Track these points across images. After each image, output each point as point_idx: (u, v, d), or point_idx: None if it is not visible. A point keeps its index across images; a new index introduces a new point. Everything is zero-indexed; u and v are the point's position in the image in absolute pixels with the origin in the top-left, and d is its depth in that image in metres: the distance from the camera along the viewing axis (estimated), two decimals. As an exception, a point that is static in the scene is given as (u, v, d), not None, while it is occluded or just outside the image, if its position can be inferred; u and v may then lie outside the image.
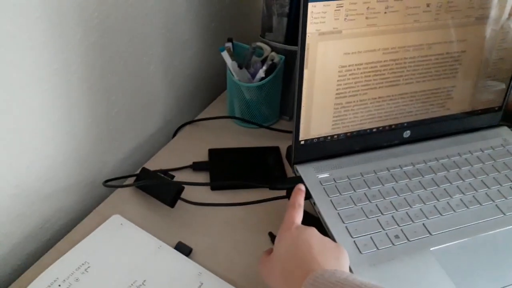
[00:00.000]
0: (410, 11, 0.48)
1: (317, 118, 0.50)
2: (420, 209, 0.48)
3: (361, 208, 0.47)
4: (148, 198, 0.56)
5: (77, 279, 0.46)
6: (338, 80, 0.49)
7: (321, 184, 0.50)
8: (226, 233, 0.53)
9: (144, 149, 0.67)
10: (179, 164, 0.61)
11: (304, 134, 0.50)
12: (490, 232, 0.46)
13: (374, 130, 0.54)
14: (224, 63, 0.65)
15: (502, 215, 0.48)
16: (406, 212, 0.47)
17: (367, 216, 0.47)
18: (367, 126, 0.53)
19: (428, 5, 0.48)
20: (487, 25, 0.52)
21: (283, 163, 0.62)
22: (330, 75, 0.48)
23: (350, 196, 0.48)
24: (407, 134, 0.56)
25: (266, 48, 0.66)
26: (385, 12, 0.47)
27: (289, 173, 0.61)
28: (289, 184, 0.50)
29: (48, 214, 0.53)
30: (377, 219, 0.46)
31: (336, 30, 0.46)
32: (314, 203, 0.48)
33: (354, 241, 0.44)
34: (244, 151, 0.64)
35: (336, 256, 0.37)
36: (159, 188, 0.55)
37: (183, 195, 0.54)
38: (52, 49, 0.45)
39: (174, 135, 0.68)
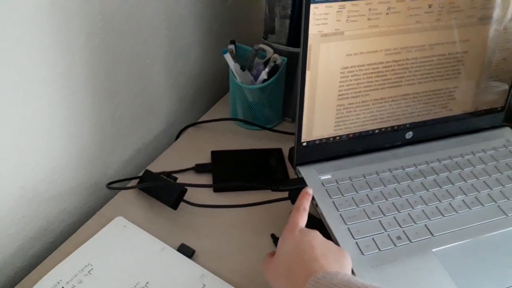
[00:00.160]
0: (412, 12, 0.48)
1: (320, 120, 0.50)
2: (422, 210, 0.48)
3: (363, 209, 0.47)
4: (151, 200, 0.56)
5: (80, 281, 0.46)
6: (340, 82, 0.49)
7: (323, 185, 0.50)
8: (228, 234, 0.53)
9: (147, 151, 0.67)
10: (182, 166, 0.61)
11: (307, 135, 0.51)
12: (493, 233, 0.46)
13: (376, 131, 0.54)
14: (226, 65, 0.65)
15: (505, 216, 0.48)
16: (408, 213, 0.47)
17: (369, 217, 0.47)
18: (369, 127, 0.53)
19: (430, 6, 0.48)
20: (489, 25, 0.52)
21: (286, 164, 0.63)
22: (332, 76, 0.48)
23: (352, 197, 0.48)
24: (409, 135, 0.56)
25: (269, 50, 0.66)
26: (387, 13, 0.47)
27: (292, 175, 0.61)
28: (292, 185, 0.50)
29: (52, 216, 0.54)
30: (379, 220, 0.46)
31: (338, 31, 0.46)
32: (317, 205, 0.48)
33: (356, 242, 0.44)
34: (246, 153, 0.65)
35: (339, 259, 0.38)
36: (162, 190, 0.55)
37: (186, 197, 0.55)
38: (57, 52, 0.46)
39: (177, 137, 0.69)
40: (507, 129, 0.60)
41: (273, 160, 0.63)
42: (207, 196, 0.57)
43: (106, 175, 0.60)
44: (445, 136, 0.57)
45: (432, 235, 0.45)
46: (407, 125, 0.55)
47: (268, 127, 0.69)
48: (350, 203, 0.48)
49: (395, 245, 0.44)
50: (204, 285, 0.46)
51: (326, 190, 0.49)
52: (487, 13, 0.51)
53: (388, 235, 0.45)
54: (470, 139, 0.58)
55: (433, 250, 0.44)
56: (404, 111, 0.54)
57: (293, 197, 0.50)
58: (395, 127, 0.55)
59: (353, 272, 0.42)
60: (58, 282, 0.46)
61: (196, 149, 0.65)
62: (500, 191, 0.51)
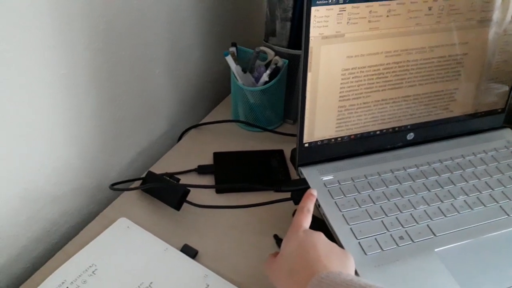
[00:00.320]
0: (412, 14, 0.48)
1: (321, 121, 0.51)
2: (424, 210, 0.48)
3: (366, 209, 0.48)
4: (154, 201, 0.57)
5: (84, 281, 0.47)
6: (341, 83, 0.49)
7: (325, 186, 0.50)
8: (231, 235, 0.53)
9: (150, 152, 0.67)
10: (184, 168, 0.62)
11: (308, 136, 0.51)
12: (495, 233, 0.46)
13: (378, 132, 0.54)
14: (228, 68, 0.66)
15: (506, 216, 0.48)
16: (410, 214, 0.48)
17: (371, 218, 0.47)
18: (370, 128, 0.53)
19: (430, 9, 0.49)
20: (489, 27, 0.53)
21: (287, 166, 0.63)
22: (334, 78, 0.48)
23: (354, 198, 0.49)
24: (410, 136, 0.56)
25: (270, 52, 0.67)
26: (387, 16, 0.47)
27: (293, 176, 0.61)
28: (294, 186, 0.51)
29: (56, 217, 0.54)
30: (382, 221, 0.47)
31: (339, 33, 0.46)
32: (319, 205, 0.48)
33: (359, 242, 0.44)
34: (248, 154, 0.65)
35: (342, 261, 0.38)
36: (165, 191, 0.56)
37: (188, 198, 0.55)
38: (59, 53, 0.46)
39: (179, 138, 0.69)
40: (508, 130, 0.60)
41: (274, 162, 0.64)
42: (210, 197, 0.58)
43: (109, 177, 0.61)
44: (446, 137, 0.58)
45: (435, 235, 0.46)
46: (408, 127, 0.55)
47: (269, 129, 0.69)
48: (353, 204, 0.48)
49: (397, 245, 0.44)
50: (208, 285, 0.47)
51: (328, 190, 0.49)
52: (487, 16, 0.52)
53: (391, 235, 0.45)
54: (471, 140, 0.58)
55: (436, 250, 0.44)
56: (405, 112, 0.54)
57: (296, 198, 0.50)
58: (396, 129, 0.55)
59: (356, 273, 0.42)
60: (62, 282, 0.46)
61: (198, 150, 0.65)
62: (502, 191, 0.51)
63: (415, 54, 0.51)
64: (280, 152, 0.65)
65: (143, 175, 0.59)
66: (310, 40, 0.46)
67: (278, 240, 0.51)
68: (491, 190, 0.51)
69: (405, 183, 0.51)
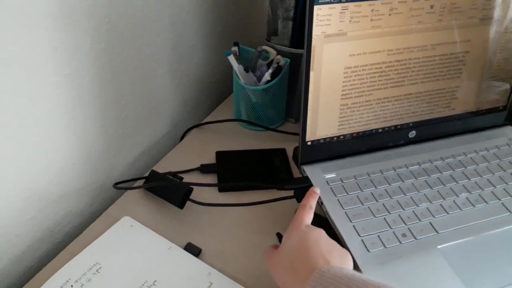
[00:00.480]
0: (414, 12, 0.48)
1: (324, 119, 0.51)
2: (427, 207, 0.48)
3: (368, 207, 0.48)
4: (157, 200, 0.57)
5: (89, 280, 0.47)
6: (343, 81, 0.49)
7: (328, 184, 0.50)
8: (234, 233, 0.53)
9: (153, 152, 0.68)
10: (187, 167, 0.62)
11: (311, 134, 0.51)
12: (497, 230, 0.47)
13: (380, 130, 0.54)
14: (230, 67, 0.66)
15: (509, 213, 0.48)
16: (413, 211, 0.48)
17: (374, 215, 0.47)
18: (372, 126, 0.54)
19: (432, 7, 0.49)
20: (490, 25, 0.53)
21: (290, 164, 0.63)
22: (336, 76, 0.49)
23: (357, 196, 0.49)
24: (412, 134, 0.56)
25: (272, 51, 0.67)
26: (389, 14, 0.48)
27: (296, 175, 0.61)
28: (297, 184, 0.51)
29: (60, 217, 0.54)
30: (384, 218, 0.47)
31: (342, 32, 0.47)
32: (322, 203, 0.48)
33: (362, 239, 0.45)
34: (250, 153, 0.65)
35: (342, 257, 0.38)
36: (168, 189, 0.56)
37: (191, 197, 0.55)
38: (64, 54, 0.47)
39: (182, 138, 0.69)
40: (509, 127, 0.61)
41: (277, 160, 0.64)
42: (212, 196, 0.58)
43: (112, 176, 0.61)
44: (448, 135, 0.58)
45: (437, 232, 0.46)
46: (410, 124, 0.55)
47: (271, 128, 0.69)
48: (355, 201, 0.48)
49: (400, 242, 0.45)
50: (211, 283, 0.47)
51: (331, 188, 0.50)
52: (488, 14, 0.52)
53: (393, 232, 0.45)
54: (472, 137, 0.58)
55: (438, 247, 0.44)
56: (407, 110, 0.54)
57: (299, 196, 0.50)
58: (398, 126, 0.55)
59: (359, 270, 0.42)
60: (67, 281, 0.46)
61: (200, 149, 0.66)
62: (504, 188, 0.51)
63: (417, 52, 0.51)
64: (282, 151, 0.65)
65: (146, 174, 0.60)
66: (313, 39, 0.46)
67: (281, 238, 0.51)
68: (493, 187, 0.51)
69: (407, 180, 0.51)
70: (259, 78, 0.66)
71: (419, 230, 0.46)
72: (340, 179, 0.51)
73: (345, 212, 0.47)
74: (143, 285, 0.47)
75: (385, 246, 0.44)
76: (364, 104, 0.52)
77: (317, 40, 0.46)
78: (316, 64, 0.47)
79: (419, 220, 0.47)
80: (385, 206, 0.48)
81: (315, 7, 0.44)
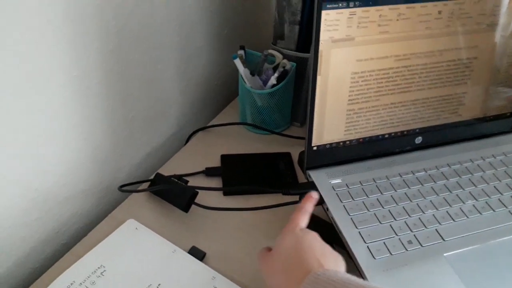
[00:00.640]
0: (422, 18, 0.48)
1: (330, 124, 0.51)
2: (433, 214, 0.48)
3: (374, 213, 0.48)
4: (162, 203, 0.57)
5: (93, 282, 0.47)
6: (350, 87, 0.49)
7: (333, 189, 0.50)
8: (239, 238, 0.53)
9: (159, 153, 0.68)
10: (192, 170, 0.62)
11: (317, 139, 0.51)
12: (504, 238, 0.46)
13: (386, 136, 0.54)
14: (236, 70, 0.66)
15: (516, 221, 0.48)
16: (419, 218, 0.47)
17: (380, 222, 0.47)
18: (379, 132, 0.53)
19: (439, 12, 0.49)
20: (498, 32, 0.53)
21: (295, 168, 0.63)
22: (343, 81, 0.49)
23: (363, 202, 0.49)
24: (419, 140, 0.56)
25: (278, 55, 0.67)
26: (397, 20, 0.47)
27: (301, 179, 0.61)
28: (302, 189, 0.51)
29: (65, 218, 0.54)
30: (390, 225, 0.47)
31: (349, 37, 0.47)
32: (327, 209, 0.48)
33: (368, 246, 0.44)
34: (255, 157, 0.65)
35: (336, 261, 0.38)
36: (173, 193, 0.56)
37: (196, 200, 0.55)
38: (72, 56, 0.47)
39: (187, 141, 0.69)
40: (517, 134, 0.60)
41: (282, 164, 0.64)
42: (217, 199, 0.58)
43: (118, 178, 0.61)
44: (455, 141, 0.58)
45: (443, 239, 0.45)
46: (417, 130, 0.55)
47: (276, 132, 0.69)
48: (361, 207, 0.48)
49: (406, 249, 0.44)
50: (215, 288, 0.47)
51: (336, 194, 0.49)
52: (496, 20, 0.52)
53: (399, 239, 0.45)
54: (479, 144, 0.58)
55: (445, 254, 0.44)
56: (414, 116, 0.54)
57: (304, 201, 0.50)
58: (405, 132, 0.55)
59: (364, 276, 0.42)
60: (71, 283, 0.46)
61: (205, 152, 0.66)
62: (511, 196, 0.51)
63: (424, 58, 0.51)
64: (288, 155, 0.65)
65: (152, 177, 0.60)
66: (320, 44, 0.46)
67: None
68: (500, 194, 0.51)
69: (414, 187, 0.51)
70: (265, 82, 0.66)
71: (425, 237, 0.45)
72: (346, 184, 0.51)
73: (351, 218, 0.47)
74: (147, 288, 0.47)
75: (391, 253, 0.44)
76: (370, 110, 0.51)
77: (324, 45, 0.46)
78: (323, 69, 0.47)
79: (425, 227, 0.47)
80: (391, 213, 0.48)
81: (323, 12, 0.44)
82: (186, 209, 0.54)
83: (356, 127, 0.52)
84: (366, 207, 0.48)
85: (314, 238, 0.39)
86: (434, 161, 0.55)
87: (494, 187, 0.52)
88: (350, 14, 0.46)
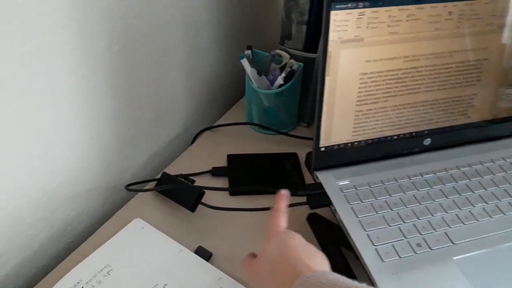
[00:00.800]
0: (432, 19, 0.48)
1: (338, 125, 0.50)
2: (442, 217, 0.47)
3: (383, 215, 0.47)
4: (169, 202, 0.57)
5: (99, 282, 0.47)
6: (359, 87, 0.49)
7: (341, 191, 0.50)
8: (245, 238, 0.53)
9: (165, 153, 0.68)
10: (199, 169, 0.62)
11: (325, 140, 0.51)
12: (514, 242, 0.46)
13: (395, 137, 0.54)
14: (242, 70, 0.66)
15: (526, 225, 0.47)
16: (428, 221, 0.47)
17: (388, 224, 0.46)
18: (387, 133, 0.53)
19: (450, 13, 0.48)
20: (509, 33, 0.52)
21: (301, 169, 0.63)
22: (352, 82, 0.48)
23: (371, 204, 0.48)
24: (427, 141, 0.55)
25: (285, 55, 0.67)
26: (406, 20, 0.47)
27: (307, 179, 0.61)
28: (310, 190, 0.50)
29: (71, 217, 0.54)
30: (399, 227, 0.46)
31: (358, 37, 0.46)
32: (335, 210, 0.48)
33: (376, 249, 0.44)
34: (262, 157, 0.65)
35: (323, 262, 0.37)
36: (180, 192, 0.56)
37: (202, 200, 0.55)
38: (79, 56, 0.47)
39: (194, 140, 0.69)
40: (527, 137, 0.59)
41: (288, 165, 0.63)
42: (223, 199, 0.58)
43: (124, 177, 0.61)
44: (464, 143, 0.57)
45: (453, 243, 0.45)
46: (426, 132, 0.55)
47: (283, 132, 0.69)
48: (369, 209, 0.48)
49: (415, 252, 0.44)
50: (222, 289, 0.47)
51: (344, 196, 0.49)
52: (507, 21, 0.51)
53: (408, 242, 0.45)
54: (489, 146, 0.57)
55: (454, 258, 0.44)
56: (423, 117, 0.54)
57: (312, 202, 0.50)
58: (414, 134, 0.54)
59: (373, 279, 0.41)
60: (78, 282, 0.46)
61: (212, 152, 0.65)
62: (521, 199, 0.50)
63: (434, 59, 0.50)
64: (294, 155, 0.65)
65: (158, 176, 0.59)
66: (329, 44, 0.45)
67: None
68: (510, 198, 0.50)
69: (422, 189, 0.50)
70: (272, 82, 0.66)
71: (435, 241, 0.45)
72: (354, 186, 0.50)
73: (359, 220, 0.47)
74: (153, 288, 0.46)
75: (399, 256, 0.43)
76: (379, 111, 0.51)
77: (333, 45, 0.46)
78: (332, 69, 0.47)
79: (435, 230, 0.46)
80: (399, 215, 0.47)
81: (332, 13, 0.44)
82: (192, 208, 0.54)
83: (364, 128, 0.52)
84: (374, 209, 0.48)
85: (299, 240, 0.39)
86: (443, 163, 0.54)
87: (504, 190, 0.51)
88: (359, 15, 0.45)
